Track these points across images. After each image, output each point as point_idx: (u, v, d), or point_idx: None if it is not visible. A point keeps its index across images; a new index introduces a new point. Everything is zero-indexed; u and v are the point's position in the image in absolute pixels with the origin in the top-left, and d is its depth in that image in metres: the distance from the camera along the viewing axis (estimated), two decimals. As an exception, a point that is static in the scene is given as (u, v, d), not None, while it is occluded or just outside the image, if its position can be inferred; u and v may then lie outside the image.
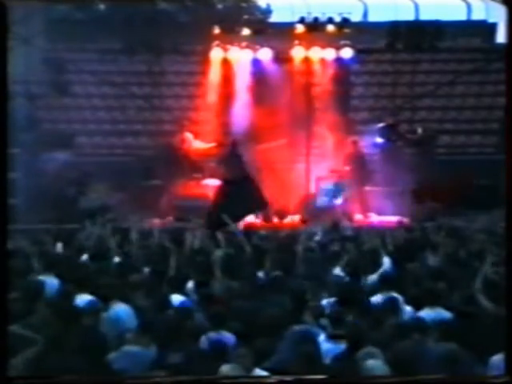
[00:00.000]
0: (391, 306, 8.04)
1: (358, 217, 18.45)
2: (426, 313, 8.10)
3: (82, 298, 8.44)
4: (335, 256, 10.81)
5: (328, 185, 19.10)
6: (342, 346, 7.16)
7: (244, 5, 24.72)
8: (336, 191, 18.78)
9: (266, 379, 6.32)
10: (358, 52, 20.43)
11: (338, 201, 18.62)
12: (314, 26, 20.00)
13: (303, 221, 18.07)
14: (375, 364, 6.63)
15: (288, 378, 5.96)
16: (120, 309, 8.23)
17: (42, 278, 9.36)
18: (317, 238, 13.32)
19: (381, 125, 20.23)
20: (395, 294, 8.42)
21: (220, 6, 23.78)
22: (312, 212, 18.52)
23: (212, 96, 20.44)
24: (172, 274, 9.61)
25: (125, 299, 8.43)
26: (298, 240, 12.45)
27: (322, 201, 18.91)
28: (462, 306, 7.98)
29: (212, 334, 7.33)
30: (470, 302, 7.99)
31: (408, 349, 6.89)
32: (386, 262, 10.24)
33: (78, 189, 18.81)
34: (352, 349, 6.97)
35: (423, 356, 6.75)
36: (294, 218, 18.56)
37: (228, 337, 7.36)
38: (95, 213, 16.12)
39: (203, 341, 7.27)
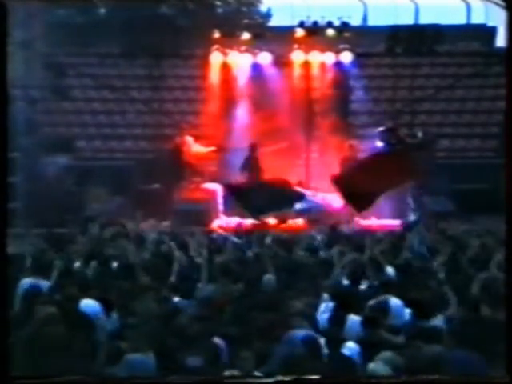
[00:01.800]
0: (382, 308, 8.05)
1: (357, 220, 18.41)
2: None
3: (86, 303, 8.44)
4: (334, 259, 10.79)
5: None
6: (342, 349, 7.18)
7: (244, 9, 24.81)
8: None
9: (266, 379, 6.33)
10: (358, 56, 20.44)
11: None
12: (314, 30, 20.00)
13: (308, 223, 18.03)
14: (376, 367, 6.66)
15: (288, 378, 5.97)
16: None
17: (41, 281, 9.38)
18: (316, 241, 13.33)
19: (381, 129, 20.22)
20: (394, 299, 8.42)
21: (220, 10, 23.86)
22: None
23: (212, 100, 20.45)
24: (173, 277, 9.61)
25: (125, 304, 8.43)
26: (298, 243, 12.50)
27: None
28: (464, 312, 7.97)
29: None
30: (470, 307, 7.97)
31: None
32: (388, 268, 10.21)
33: (78, 193, 18.80)
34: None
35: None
36: (294, 221, 18.51)
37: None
38: (95, 217, 16.13)
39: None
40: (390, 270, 10.28)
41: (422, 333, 7.28)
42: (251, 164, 19.18)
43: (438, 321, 7.97)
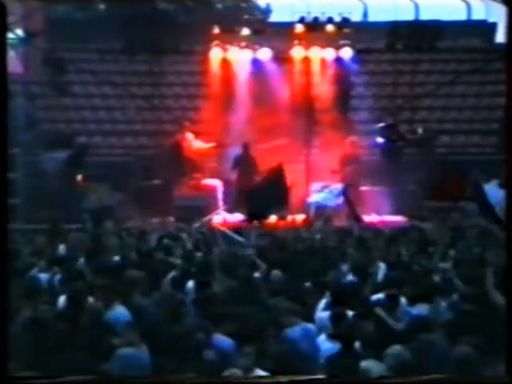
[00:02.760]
0: (391, 303, 8.05)
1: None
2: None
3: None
4: (336, 255, 10.80)
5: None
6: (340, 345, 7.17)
7: (243, 5, 24.74)
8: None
9: (267, 379, 6.31)
10: (358, 52, 20.42)
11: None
12: (314, 26, 19.98)
13: (306, 220, 18.03)
14: (369, 364, 6.65)
15: (288, 378, 5.95)
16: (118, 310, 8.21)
17: (41, 277, 9.39)
18: (317, 237, 13.34)
19: (381, 125, 20.23)
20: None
21: (219, 6, 23.79)
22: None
23: (212, 96, 20.43)
24: (173, 273, 9.59)
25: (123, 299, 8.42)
26: (299, 240, 12.50)
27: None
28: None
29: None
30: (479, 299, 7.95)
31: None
32: (382, 266, 10.17)
33: (78, 189, 18.78)
34: (348, 348, 7.00)
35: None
36: (294, 218, 18.50)
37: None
38: (95, 213, 16.12)
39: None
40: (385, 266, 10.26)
41: (424, 322, 7.30)
42: (244, 162, 19.17)
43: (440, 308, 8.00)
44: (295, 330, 7.52)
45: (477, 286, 8.31)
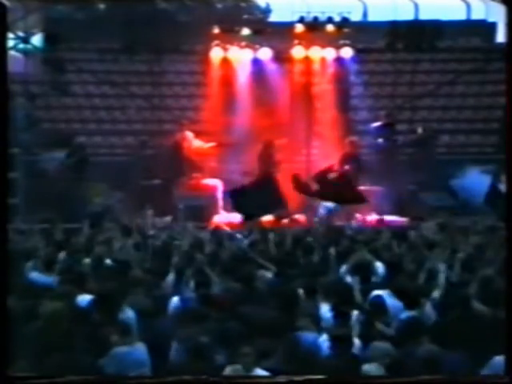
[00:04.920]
0: (377, 304, 8.08)
1: (358, 216, 18.41)
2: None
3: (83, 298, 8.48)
4: (336, 256, 10.80)
5: None
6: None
7: (243, 4, 24.76)
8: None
9: (267, 379, 6.33)
10: (358, 51, 20.43)
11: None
12: (314, 26, 19.99)
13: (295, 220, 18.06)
14: (370, 368, 6.68)
15: (287, 378, 5.97)
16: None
17: (42, 277, 9.40)
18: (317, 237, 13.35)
19: (377, 124, 20.25)
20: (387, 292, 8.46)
21: (220, 6, 23.81)
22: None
23: (212, 95, 20.44)
24: (173, 273, 9.60)
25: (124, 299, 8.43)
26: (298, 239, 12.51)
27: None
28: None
29: None
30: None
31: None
32: (379, 266, 10.18)
33: (78, 189, 18.78)
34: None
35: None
36: (295, 218, 18.49)
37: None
38: (100, 216, 16.13)
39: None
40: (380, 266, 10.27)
41: (413, 326, 7.33)
42: (266, 160, 19.13)
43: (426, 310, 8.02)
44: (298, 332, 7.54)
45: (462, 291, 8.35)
